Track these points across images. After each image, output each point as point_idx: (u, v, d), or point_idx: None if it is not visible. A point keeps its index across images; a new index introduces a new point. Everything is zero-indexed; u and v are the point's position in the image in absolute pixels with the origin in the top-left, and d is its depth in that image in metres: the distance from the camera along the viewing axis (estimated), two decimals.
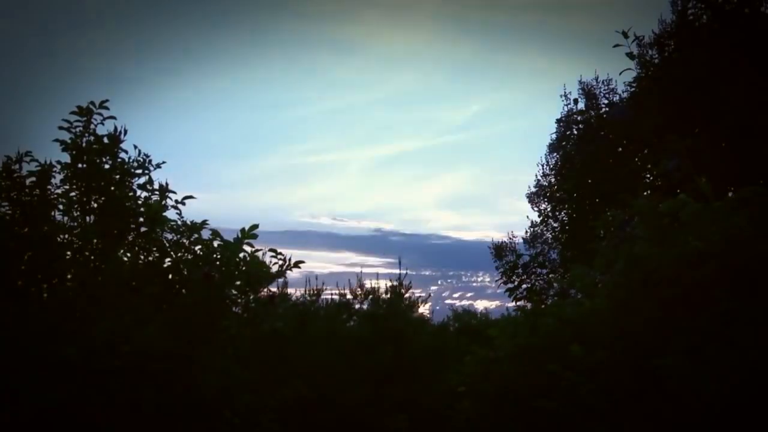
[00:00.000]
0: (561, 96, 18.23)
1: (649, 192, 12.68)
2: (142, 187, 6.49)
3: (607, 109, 17.30)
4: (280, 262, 6.21)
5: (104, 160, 6.42)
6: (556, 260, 18.54)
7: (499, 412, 5.72)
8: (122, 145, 6.47)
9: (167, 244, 6.24)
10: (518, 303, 17.13)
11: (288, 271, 6.23)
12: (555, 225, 18.56)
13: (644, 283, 4.83)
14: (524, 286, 18.36)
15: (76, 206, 6.32)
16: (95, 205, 6.37)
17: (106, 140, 6.43)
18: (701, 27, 14.17)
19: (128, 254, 6.26)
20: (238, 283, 6.00)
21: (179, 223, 6.34)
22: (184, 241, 6.24)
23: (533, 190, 19.26)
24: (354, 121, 43.91)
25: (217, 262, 5.99)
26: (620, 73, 18.70)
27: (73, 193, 6.32)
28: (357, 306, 13.80)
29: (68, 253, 6.16)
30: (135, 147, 6.52)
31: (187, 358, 5.52)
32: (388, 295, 13.57)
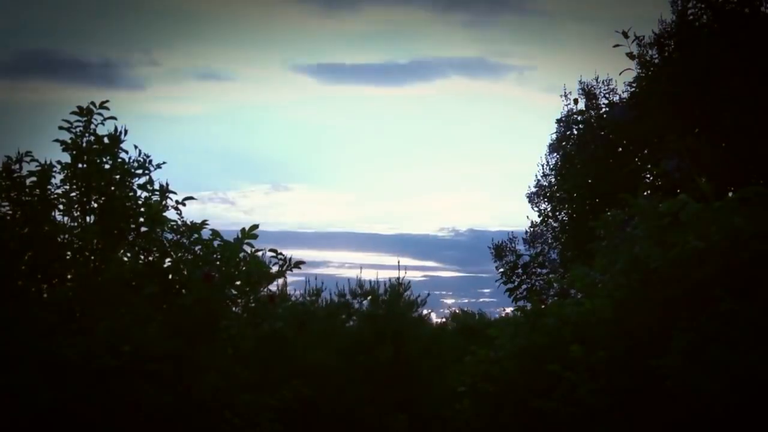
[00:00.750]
0: (561, 96, 18.25)
1: (649, 192, 12.68)
2: (142, 187, 6.49)
3: (607, 109, 17.30)
4: (281, 263, 6.22)
5: (104, 160, 6.42)
6: (556, 260, 18.53)
7: (499, 412, 5.72)
8: (122, 146, 6.48)
9: (167, 244, 6.24)
10: (518, 303, 17.12)
11: (288, 271, 6.24)
12: (555, 225, 18.56)
13: (644, 283, 4.83)
14: (524, 286, 18.34)
15: (76, 206, 6.32)
16: (95, 205, 6.37)
17: (106, 140, 6.43)
18: (701, 27, 14.17)
19: (128, 254, 6.26)
20: (238, 283, 6.00)
21: (179, 223, 6.34)
22: (184, 241, 6.24)
23: (533, 190, 19.27)
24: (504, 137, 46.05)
25: (217, 262, 5.99)
26: (620, 73, 18.70)
27: (73, 193, 6.32)
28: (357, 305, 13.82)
29: (68, 253, 6.17)
30: (135, 147, 6.53)
31: (187, 358, 5.52)
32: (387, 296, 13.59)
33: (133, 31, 34.67)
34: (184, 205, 6.46)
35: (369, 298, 13.73)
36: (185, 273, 6.03)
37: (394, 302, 13.37)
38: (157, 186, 6.48)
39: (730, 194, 4.93)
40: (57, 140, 6.37)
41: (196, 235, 6.23)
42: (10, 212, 6.16)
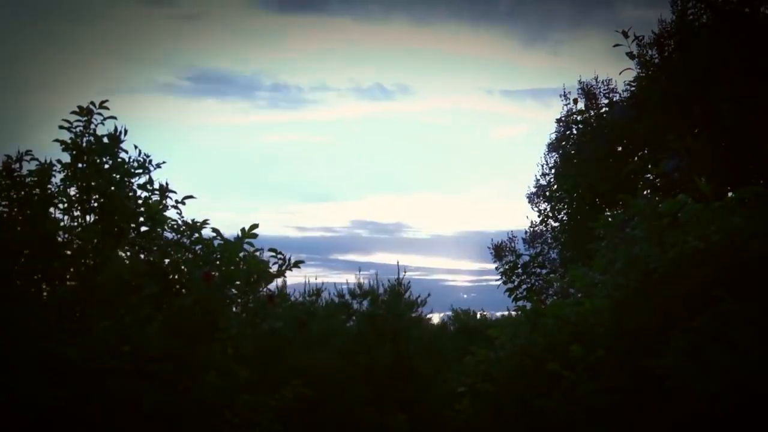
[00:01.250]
0: (561, 96, 18.26)
1: (648, 192, 12.67)
2: (142, 186, 6.50)
3: (607, 109, 17.29)
4: (280, 262, 6.21)
5: (104, 159, 6.42)
6: (556, 260, 18.52)
7: (499, 412, 5.72)
8: (122, 145, 6.48)
9: (167, 244, 6.23)
10: (518, 303, 17.12)
11: (288, 271, 6.23)
12: (555, 225, 18.56)
13: (644, 283, 4.83)
14: (524, 286, 18.35)
15: (76, 206, 6.32)
16: (95, 205, 6.37)
17: (106, 140, 6.43)
18: (701, 27, 14.16)
19: (128, 254, 6.26)
20: (238, 283, 5.99)
21: (179, 222, 6.34)
22: (185, 240, 6.24)
23: (533, 190, 19.29)
24: None
25: (217, 262, 5.99)
26: (620, 73, 18.70)
27: (73, 193, 6.32)
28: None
29: (68, 252, 6.16)
30: (135, 147, 6.53)
31: (187, 358, 5.51)
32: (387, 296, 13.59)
33: (303, 58, 39.80)
34: (183, 203, 6.46)
35: (369, 298, 13.74)
36: (185, 273, 6.03)
37: (394, 303, 13.38)
38: (156, 185, 6.49)
39: (730, 194, 4.93)
40: (57, 140, 6.37)
41: (196, 235, 6.23)
42: (9, 211, 6.16)
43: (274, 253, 6.17)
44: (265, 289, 6.47)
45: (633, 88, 15.24)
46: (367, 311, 13.55)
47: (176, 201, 6.46)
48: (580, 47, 36.35)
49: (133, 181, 6.49)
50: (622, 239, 5.25)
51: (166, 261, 6.17)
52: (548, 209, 18.74)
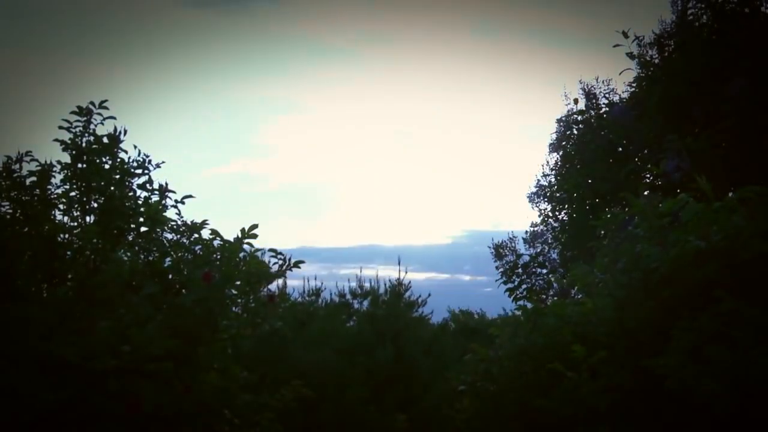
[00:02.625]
0: (561, 96, 18.25)
1: (649, 192, 12.65)
2: (141, 186, 6.49)
3: (607, 109, 17.26)
4: (280, 262, 6.21)
5: (104, 160, 6.41)
6: (556, 260, 18.49)
7: (499, 411, 5.71)
8: (122, 145, 6.48)
9: (167, 244, 6.23)
10: (518, 302, 17.10)
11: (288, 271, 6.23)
12: (555, 225, 18.52)
13: (645, 283, 4.83)
14: (524, 286, 18.33)
15: (76, 206, 6.32)
16: (95, 205, 6.36)
17: (105, 140, 6.43)
18: (701, 27, 14.14)
19: (128, 254, 6.25)
20: (238, 283, 5.99)
21: (179, 222, 6.34)
22: (184, 241, 6.23)
23: (533, 190, 19.25)
24: None
25: (217, 262, 5.98)
26: (620, 73, 18.67)
27: (73, 193, 6.32)
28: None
29: (68, 252, 6.15)
30: (135, 147, 6.53)
31: (187, 358, 5.51)
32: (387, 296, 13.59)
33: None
34: (183, 203, 6.46)
35: (369, 298, 13.74)
36: (185, 273, 6.02)
37: (394, 302, 13.37)
38: (156, 185, 6.48)
39: (731, 194, 4.93)
40: (57, 140, 6.36)
41: (196, 235, 6.23)
42: (10, 212, 6.15)
43: (274, 254, 6.17)
44: (265, 289, 6.47)
45: (633, 89, 15.23)
46: (367, 311, 13.55)
47: (175, 201, 6.46)
48: None
49: (132, 181, 6.49)
50: (623, 238, 5.25)
51: (166, 261, 6.17)
52: (548, 209, 18.73)
